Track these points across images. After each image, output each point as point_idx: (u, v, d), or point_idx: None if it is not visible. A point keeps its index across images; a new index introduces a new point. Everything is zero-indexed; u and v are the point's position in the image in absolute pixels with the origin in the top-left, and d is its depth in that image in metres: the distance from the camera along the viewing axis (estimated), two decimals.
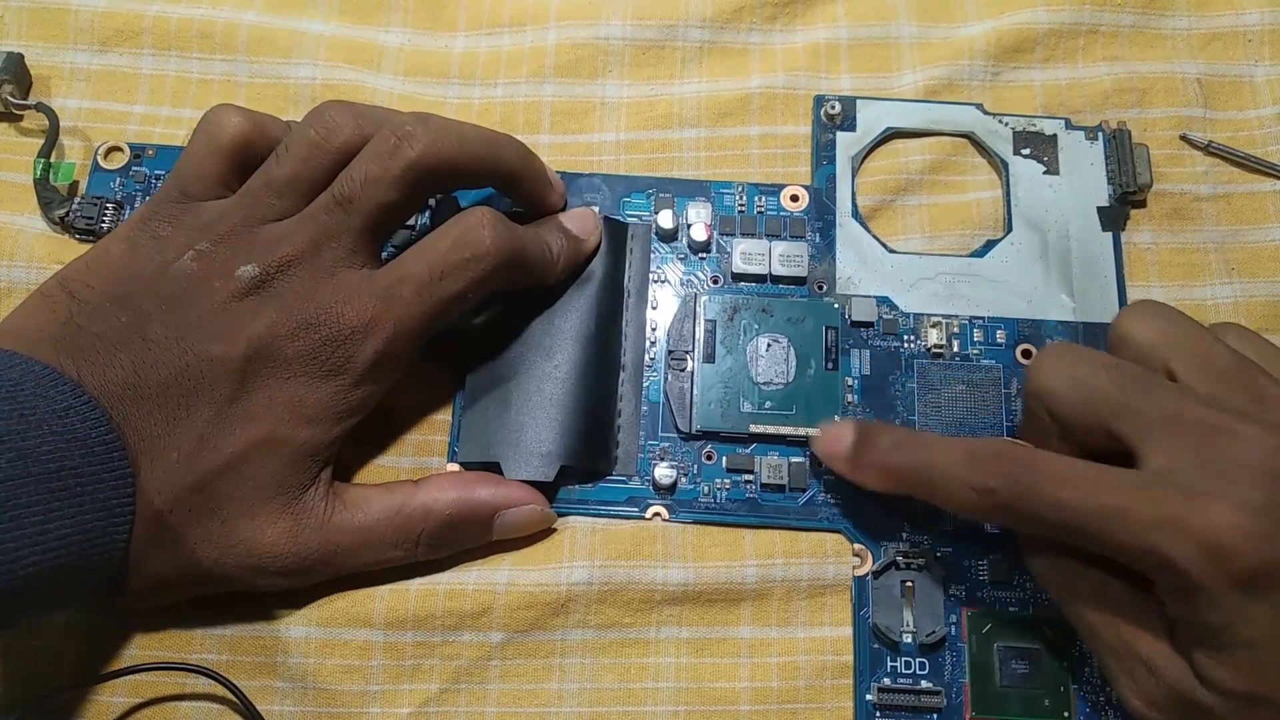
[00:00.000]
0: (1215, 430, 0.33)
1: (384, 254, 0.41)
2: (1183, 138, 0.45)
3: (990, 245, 0.44)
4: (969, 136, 0.45)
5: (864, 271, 0.43)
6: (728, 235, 0.44)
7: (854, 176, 0.45)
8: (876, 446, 0.37)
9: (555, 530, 0.40)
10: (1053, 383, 0.35)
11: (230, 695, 0.37)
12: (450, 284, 0.37)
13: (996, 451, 0.35)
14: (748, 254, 0.43)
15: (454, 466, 0.41)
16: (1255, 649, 0.31)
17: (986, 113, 0.46)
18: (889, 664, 0.38)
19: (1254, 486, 0.32)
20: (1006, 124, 0.45)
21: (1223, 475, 0.32)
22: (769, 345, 0.42)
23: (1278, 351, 0.37)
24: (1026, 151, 0.45)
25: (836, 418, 0.41)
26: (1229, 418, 0.33)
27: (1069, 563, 0.35)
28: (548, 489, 0.40)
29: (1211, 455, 0.33)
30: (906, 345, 0.42)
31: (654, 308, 0.43)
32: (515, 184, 0.41)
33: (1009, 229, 0.44)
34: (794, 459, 0.41)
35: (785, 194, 0.44)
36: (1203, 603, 0.31)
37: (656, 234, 0.44)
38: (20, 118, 0.46)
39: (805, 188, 0.44)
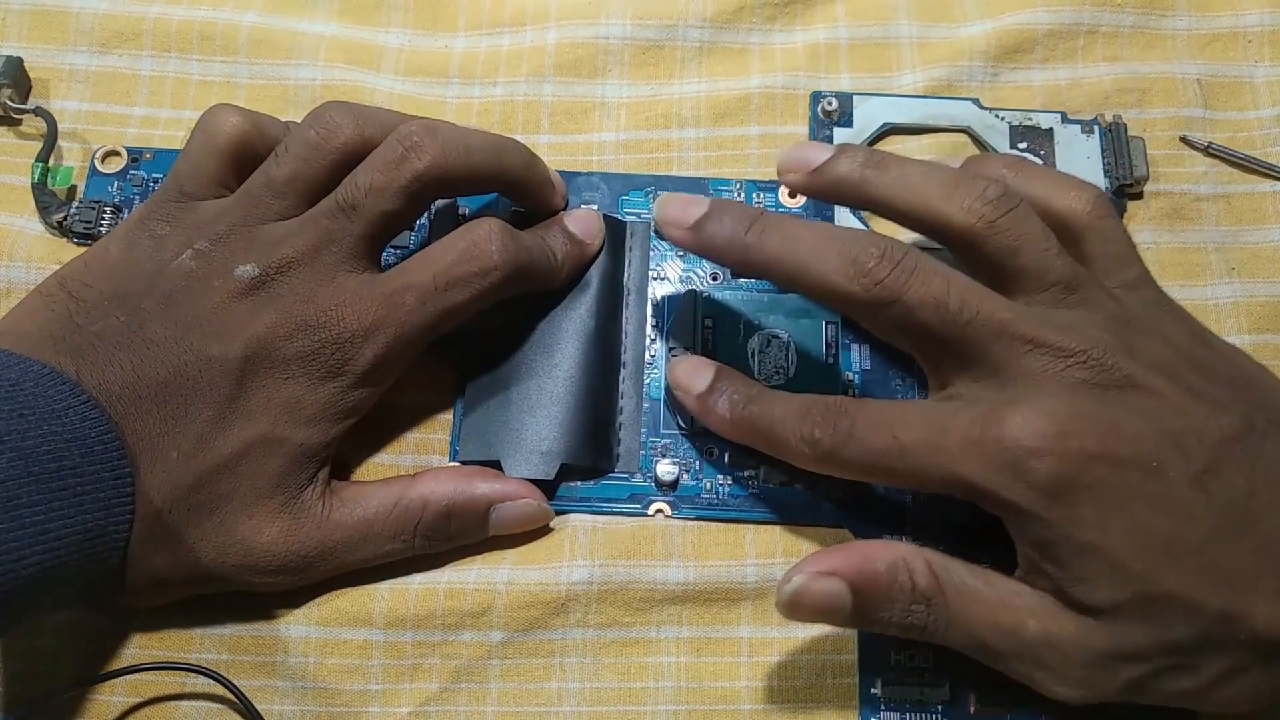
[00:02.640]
0: (1028, 345, 0.33)
1: (385, 254, 0.41)
2: (1183, 139, 0.45)
3: None
4: (966, 131, 0.45)
5: None
6: None
7: None
8: (726, 393, 0.38)
9: (555, 529, 0.40)
10: (813, 267, 0.35)
11: (230, 695, 0.37)
12: (454, 295, 0.37)
13: (825, 403, 0.35)
14: None
15: (455, 465, 0.41)
16: (1099, 550, 0.31)
17: (983, 107, 0.46)
18: (894, 658, 0.38)
19: (1058, 396, 0.32)
20: (1003, 118, 0.45)
21: (1027, 389, 0.32)
22: (769, 341, 0.42)
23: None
24: (1023, 145, 0.45)
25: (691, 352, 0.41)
26: (1038, 328, 0.33)
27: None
28: (549, 487, 0.40)
29: (1022, 370, 0.33)
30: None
31: (654, 305, 0.43)
32: (519, 190, 0.41)
33: None
34: None
35: (783, 190, 0.44)
36: (1030, 525, 0.31)
37: (655, 232, 0.44)
38: (19, 121, 0.46)
39: None
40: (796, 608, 0.34)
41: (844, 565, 0.33)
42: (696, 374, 0.38)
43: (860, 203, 0.37)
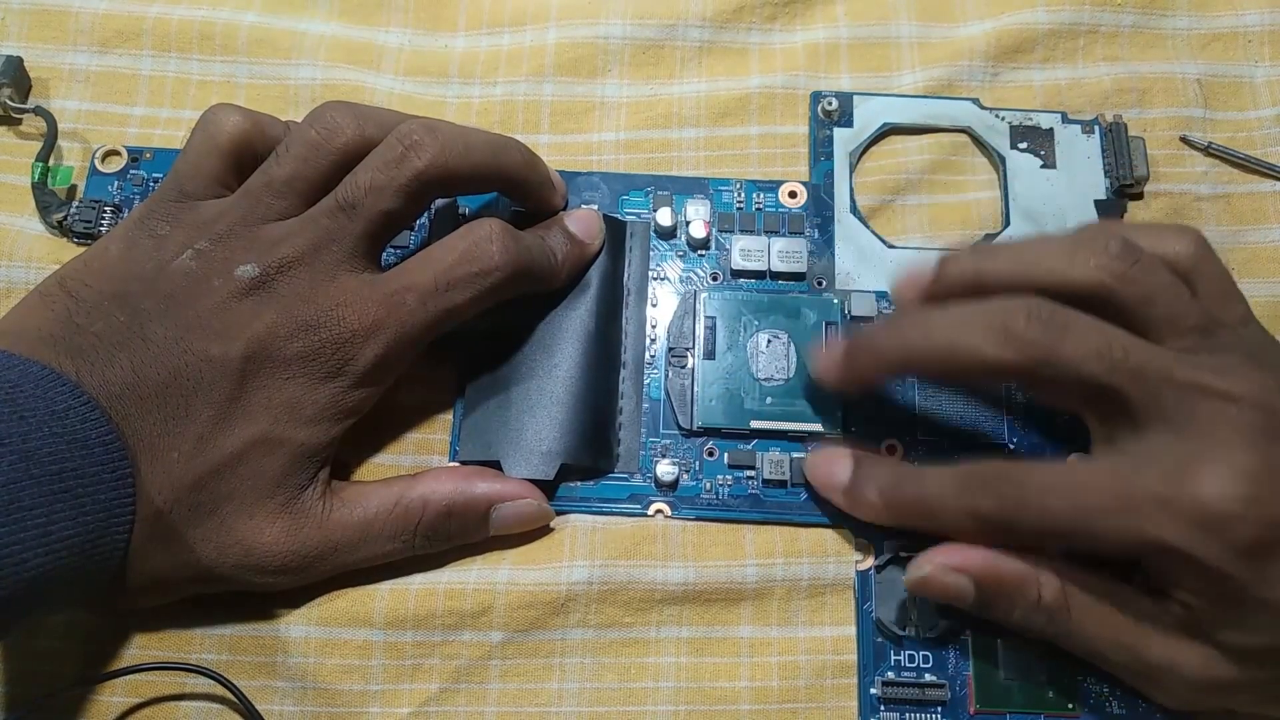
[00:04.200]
0: (1197, 391, 0.33)
1: (385, 254, 0.41)
2: (1183, 139, 0.45)
3: (988, 239, 0.44)
4: (966, 131, 0.45)
5: (863, 267, 0.43)
6: (726, 232, 0.44)
7: (852, 173, 0.45)
8: (872, 482, 0.37)
9: (555, 529, 0.40)
10: (967, 338, 0.35)
11: (230, 695, 0.37)
12: (455, 296, 0.37)
13: (985, 474, 0.35)
14: (747, 250, 0.43)
15: (455, 465, 0.41)
16: (1273, 607, 0.31)
17: (983, 107, 0.46)
18: (893, 658, 0.38)
19: (1243, 448, 0.31)
20: (1003, 118, 0.45)
21: (1209, 440, 0.32)
22: (769, 341, 0.42)
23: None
24: (1023, 145, 0.45)
25: (823, 436, 0.41)
26: (1196, 372, 0.33)
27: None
28: (549, 487, 0.40)
29: (1198, 419, 0.32)
30: None
31: (654, 305, 0.43)
32: (519, 189, 0.41)
33: (1006, 223, 0.44)
34: (795, 454, 0.40)
35: (783, 190, 0.44)
36: (1210, 578, 0.31)
37: (655, 232, 0.44)
38: (19, 121, 0.46)
39: (803, 184, 0.44)
40: (921, 589, 0.36)
41: (974, 564, 0.35)
42: (836, 466, 0.39)
43: (983, 290, 0.36)
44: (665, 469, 0.40)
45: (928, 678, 0.38)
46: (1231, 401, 0.32)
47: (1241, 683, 0.33)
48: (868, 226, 0.44)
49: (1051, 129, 0.45)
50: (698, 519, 0.40)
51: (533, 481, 0.39)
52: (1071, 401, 0.36)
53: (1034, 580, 0.34)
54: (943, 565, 0.35)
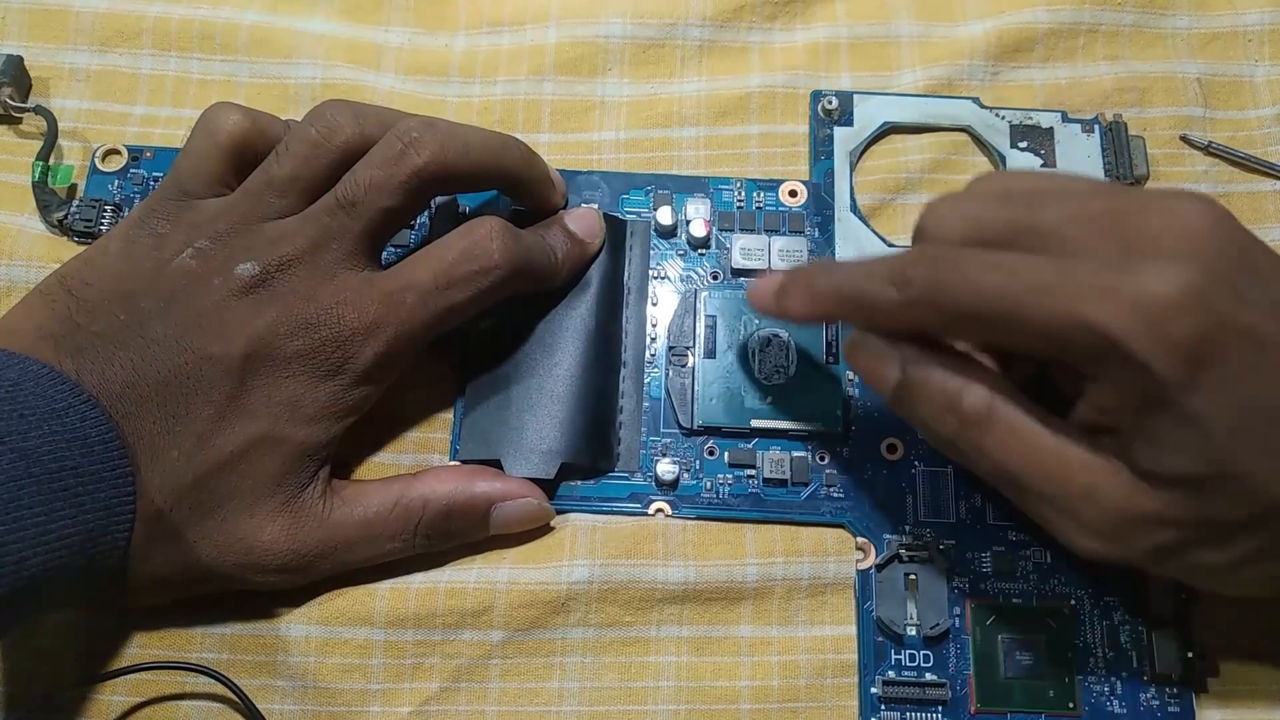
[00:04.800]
0: (1125, 213, 0.31)
1: (385, 253, 0.41)
2: (1183, 138, 0.45)
3: None
4: (966, 130, 0.46)
5: None
6: (727, 231, 0.44)
7: (852, 172, 0.45)
8: (802, 276, 0.36)
9: (555, 529, 0.40)
10: (938, 220, 0.34)
11: (230, 694, 0.37)
12: (455, 294, 0.37)
13: (916, 250, 0.34)
14: (747, 249, 0.43)
15: (456, 464, 0.41)
16: (1203, 424, 0.29)
17: (983, 106, 0.46)
18: (893, 657, 0.38)
19: (1186, 254, 0.29)
20: (1003, 117, 0.45)
21: (1149, 248, 0.30)
22: (769, 340, 0.42)
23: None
24: (1024, 145, 0.45)
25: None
26: (1134, 200, 0.31)
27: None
28: (549, 486, 0.40)
29: (1130, 235, 0.30)
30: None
31: (654, 304, 0.43)
32: (519, 187, 0.41)
33: None
34: (796, 453, 0.40)
35: (784, 189, 0.44)
36: (1144, 381, 0.29)
37: (656, 231, 0.44)
38: (19, 120, 0.46)
39: (804, 183, 0.44)
40: (849, 355, 0.36)
41: (908, 350, 0.34)
42: (772, 279, 0.37)
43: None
44: (666, 468, 0.40)
45: (928, 677, 0.38)
46: (1171, 216, 0.30)
47: (1164, 518, 0.31)
48: (868, 225, 0.44)
49: (1051, 128, 0.45)
50: (698, 518, 0.40)
51: (533, 480, 0.39)
52: None
53: (959, 381, 0.33)
54: (877, 342, 0.34)
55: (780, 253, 0.43)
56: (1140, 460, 0.31)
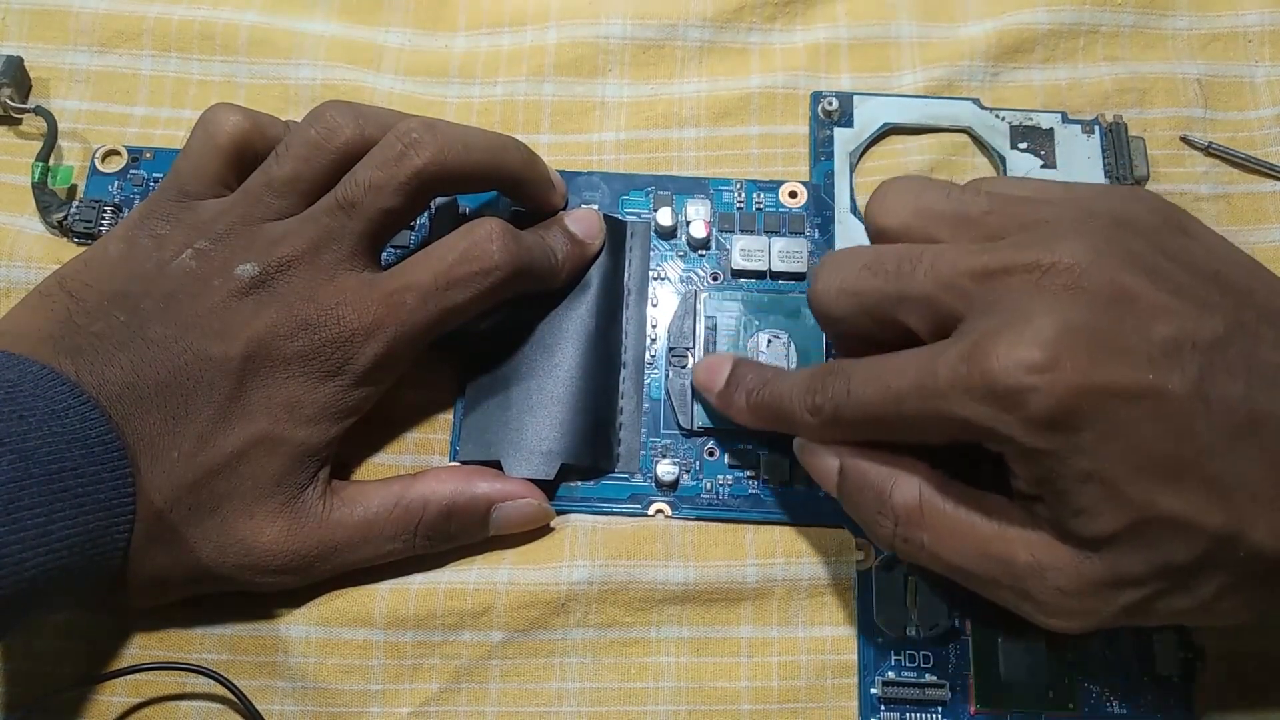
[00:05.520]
0: (990, 274, 0.31)
1: (385, 254, 0.41)
2: (1183, 139, 0.45)
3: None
4: (966, 131, 0.46)
5: None
6: (727, 232, 0.44)
7: (852, 172, 0.45)
8: (743, 384, 0.37)
9: (555, 529, 0.40)
10: (826, 302, 0.35)
11: (230, 695, 0.37)
12: (455, 295, 0.37)
13: (822, 370, 0.34)
14: (747, 250, 0.43)
15: (456, 465, 0.41)
16: (1098, 479, 0.29)
17: (983, 107, 0.46)
18: (893, 658, 0.38)
19: (1042, 314, 0.29)
20: (1003, 118, 0.45)
21: (1009, 314, 0.30)
22: (770, 341, 0.42)
23: (1032, 183, 0.35)
24: (1024, 146, 0.45)
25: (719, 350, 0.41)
26: (1002, 254, 0.31)
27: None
28: (549, 487, 0.40)
29: (994, 299, 0.31)
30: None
31: (654, 305, 0.43)
32: (519, 188, 0.41)
33: None
34: None
35: (784, 190, 0.44)
36: (1027, 458, 0.30)
37: (656, 231, 0.44)
38: (19, 121, 0.46)
39: (804, 184, 0.44)
40: (800, 454, 0.36)
41: (845, 452, 0.34)
42: (715, 372, 0.38)
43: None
44: (665, 469, 0.40)
45: (928, 678, 0.38)
46: (1036, 271, 0.30)
47: (1118, 579, 0.30)
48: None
49: (1051, 129, 0.45)
50: (698, 519, 0.40)
51: (533, 481, 0.39)
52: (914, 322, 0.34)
53: (888, 480, 0.33)
54: (820, 447, 0.35)
55: (780, 254, 0.43)
56: (1072, 528, 0.30)
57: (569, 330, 0.41)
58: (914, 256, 0.33)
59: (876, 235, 0.36)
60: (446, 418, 0.42)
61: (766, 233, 0.44)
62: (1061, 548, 0.31)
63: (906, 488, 0.33)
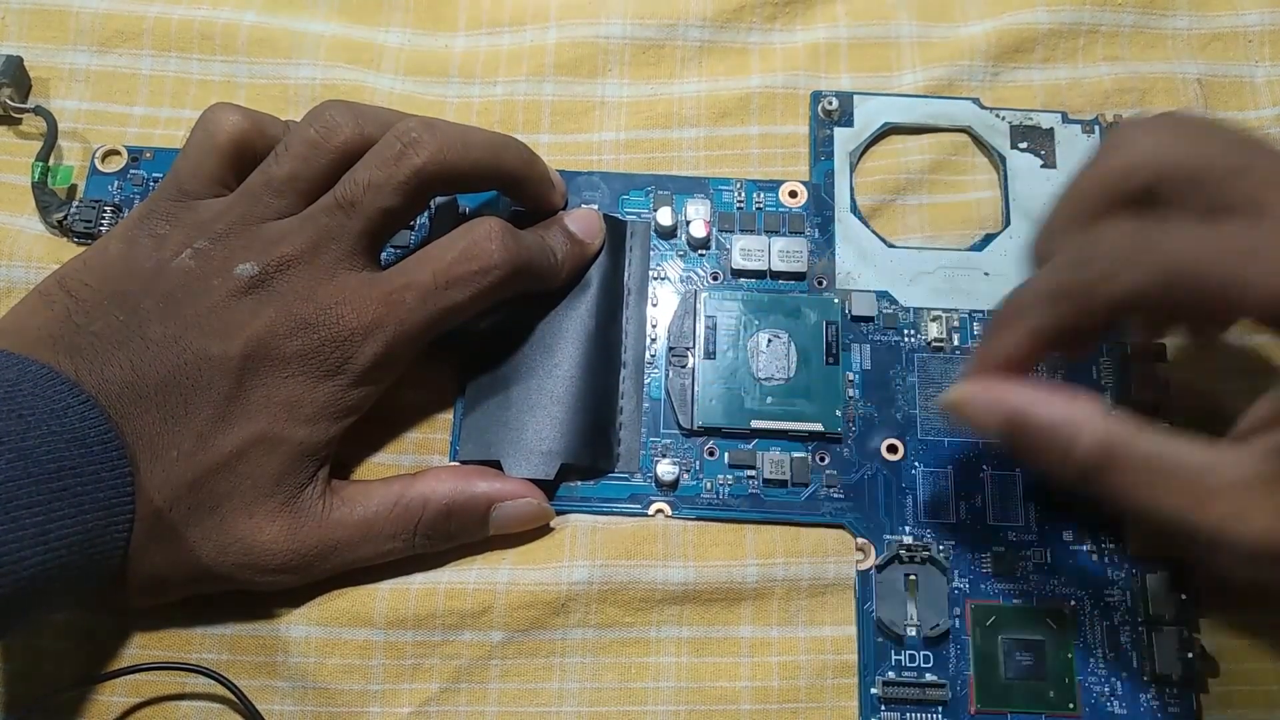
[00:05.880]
0: None
1: (384, 253, 0.41)
2: None
3: (989, 239, 0.44)
4: (966, 131, 0.45)
5: (863, 266, 0.43)
6: (727, 232, 0.44)
7: (852, 172, 0.45)
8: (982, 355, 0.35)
9: (555, 529, 0.40)
10: (1155, 150, 0.32)
11: (230, 695, 0.37)
12: (454, 294, 0.37)
13: (1069, 256, 0.33)
14: (747, 250, 0.43)
15: (455, 465, 0.41)
16: None
17: (983, 107, 0.46)
18: (893, 658, 0.38)
19: None
20: (1003, 118, 0.45)
21: None
22: (769, 341, 0.42)
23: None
24: (1024, 145, 0.45)
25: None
26: None
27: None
28: (549, 487, 0.40)
29: None
30: (907, 339, 0.42)
31: (654, 305, 0.43)
32: (518, 187, 0.41)
33: (1007, 223, 0.44)
34: (796, 454, 0.40)
35: (784, 190, 0.44)
36: None
37: (656, 231, 0.44)
38: (19, 121, 0.46)
39: (804, 184, 0.44)
40: (952, 409, 0.34)
41: (1009, 403, 0.32)
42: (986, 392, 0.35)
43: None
44: (665, 469, 0.40)
45: (928, 678, 0.38)
46: None
47: None
48: (868, 226, 0.44)
49: (1052, 129, 0.45)
50: (698, 519, 0.40)
51: (533, 481, 0.39)
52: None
53: (1068, 431, 0.31)
54: (980, 393, 0.33)
55: (780, 253, 0.43)
56: None
57: (569, 330, 0.41)
58: (1257, 140, 0.32)
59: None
60: (446, 417, 0.42)
61: (766, 232, 0.44)
62: (1267, 504, 0.29)
63: (1090, 436, 0.31)
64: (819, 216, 0.44)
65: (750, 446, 0.41)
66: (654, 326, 0.43)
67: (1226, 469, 0.30)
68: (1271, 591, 0.32)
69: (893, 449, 0.41)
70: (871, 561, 0.39)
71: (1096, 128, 0.45)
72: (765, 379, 0.41)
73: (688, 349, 0.42)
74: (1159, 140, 0.33)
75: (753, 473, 0.40)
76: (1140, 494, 0.31)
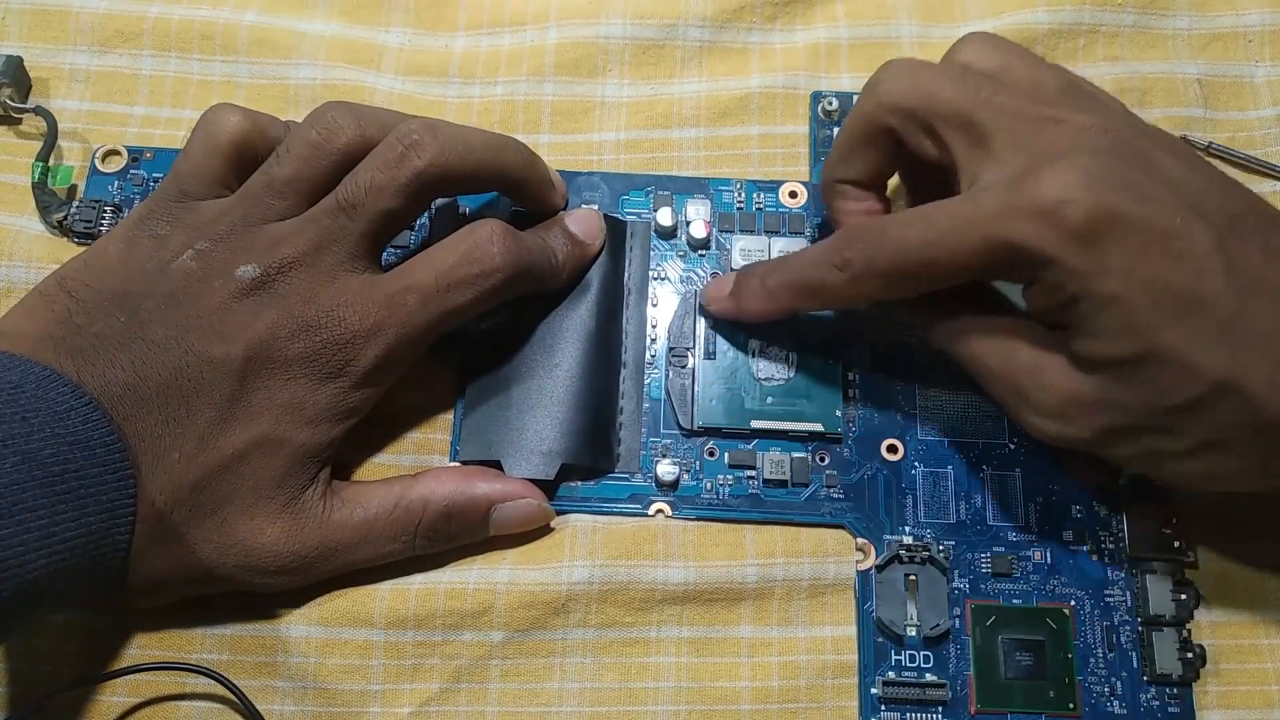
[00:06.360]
0: (1050, 121, 0.34)
1: (385, 254, 0.41)
2: (1183, 139, 0.45)
3: None
4: None
5: None
6: (727, 232, 0.44)
7: None
8: (755, 272, 0.40)
9: (555, 529, 0.40)
10: (897, 90, 0.37)
11: (230, 695, 0.37)
12: (456, 297, 0.37)
13: (846, 230, 0.37)
14: (747, 250, 0.43)
15: (456, 465, 0.41)
16: (1118, 302, 0.31)
17: None
18: (893, 658, 0.38)
19: (1077, 155, 0.32)
20: None
21: (1049, 154, 0.33)
22: (769, 341, 0.42)
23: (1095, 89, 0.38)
24: None
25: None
26: (1064, 110, 0.34)
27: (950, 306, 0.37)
28: (549, 487, 0.40)
29: (1047, 143, 0.34)
30: (907, 338, 0.42)
31: (654, 305, 0.43)
32: (519, 188, 0.41)
33: None
34: (796, 454, 0.41)
35: (784, 190, 0.44)
36: (1057, 275, 0.32)
37: (656, 231, 0.44)
38: (19, 121, 0.46)
39: (804, 184, 0.45)
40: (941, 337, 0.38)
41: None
42: (722, 282, 0.41)
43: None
44: (666, 469, 0.40)
45: (928, 678, 0.38)
46: (1082, 128, 0.34)
47: (1106, 401, 0.33)
48: None
49: None
50: (698, 519, 0.40)
51: (533, 481, 0.39)
52: (940, 147, 0.36)
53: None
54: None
55: (780, 254, 0.43)
56: (1077, 349, 0.33)
57: (569, 330, 0.41)
58: (994, 84, 0.36)
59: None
60: (446, 418, 0.42)
61: (766, 233, 0.44)
62: (1057, 358, 0.34)
63: None
64: (819, 217, 0.44)
65: (750, 447, 0.41)
66: (654, 327, 0.43)
67: (1032, 341, 0.35)
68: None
69: (893, 449, 0.41)
70: (871, 561, 0.39)
71: None
72: (765, 379, 0.41)
73: (688, 349, 0.42)
74: (902, 86, 0.37)
75: (753, 473, 0.41)
76: (969, 334, 0.37)
